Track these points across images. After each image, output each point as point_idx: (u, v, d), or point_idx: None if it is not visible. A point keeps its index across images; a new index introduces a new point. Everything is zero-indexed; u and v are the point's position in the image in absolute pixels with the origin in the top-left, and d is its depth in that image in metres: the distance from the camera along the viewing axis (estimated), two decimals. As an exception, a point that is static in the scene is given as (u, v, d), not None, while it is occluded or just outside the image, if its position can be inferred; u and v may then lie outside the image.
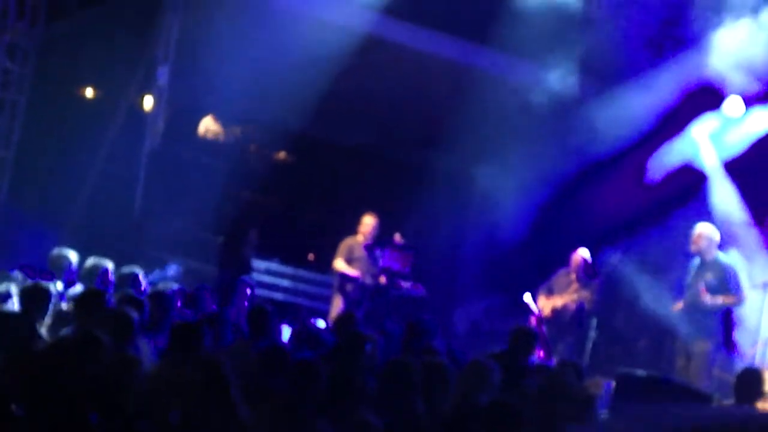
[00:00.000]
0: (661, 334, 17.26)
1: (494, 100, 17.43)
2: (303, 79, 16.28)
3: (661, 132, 17.89)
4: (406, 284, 15.86)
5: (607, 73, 17.42)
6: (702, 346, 14.41)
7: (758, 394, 9.20)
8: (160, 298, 10.58)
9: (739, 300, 14.78)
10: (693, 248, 14.82)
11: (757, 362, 14.94)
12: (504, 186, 17.53)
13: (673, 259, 17.67)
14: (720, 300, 14.55)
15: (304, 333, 10.60)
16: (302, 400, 7.80)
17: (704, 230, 14.94)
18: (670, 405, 11.81)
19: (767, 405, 12.77)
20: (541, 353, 14.56)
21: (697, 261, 14.87)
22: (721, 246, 15.30)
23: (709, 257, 14.72)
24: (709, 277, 14.59)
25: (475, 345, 14.89)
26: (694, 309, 14.57)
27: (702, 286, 14.51)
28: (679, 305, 14.88)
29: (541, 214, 18.00)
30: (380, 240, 15.84)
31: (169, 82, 17.37)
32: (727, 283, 14.57)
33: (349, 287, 15.48)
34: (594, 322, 15.43)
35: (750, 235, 16.76)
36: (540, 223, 18.00)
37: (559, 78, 17.65)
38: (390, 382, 8.13)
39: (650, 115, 17.39)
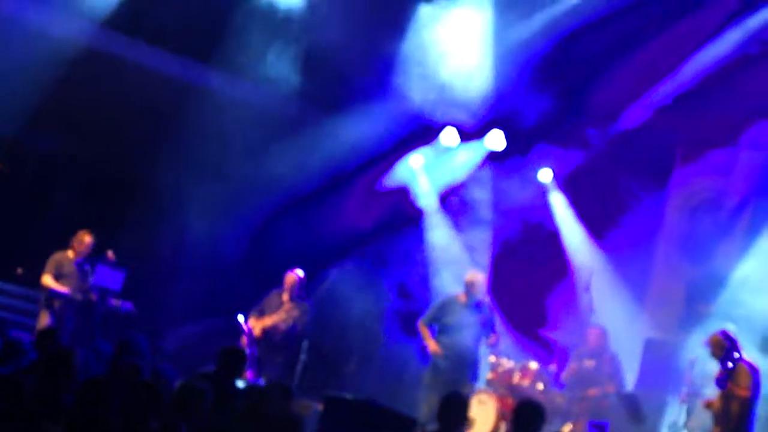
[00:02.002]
0: (367, 357, 17.59)
1: (214, 118, 17.41)
2: (17, 87, 15.88)
3: (380, 159, 18.25)
4: (116, 302, 15.59)
5: (328, 98, 17.68)
6: (467, 389, 14.62)
7: (462, 419, 9.42)
8: None
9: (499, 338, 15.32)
10: (478, 296, 15.00)
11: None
12: (222, 205, 17.49)
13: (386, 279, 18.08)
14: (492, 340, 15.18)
15: (7, 347, 10.35)
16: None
17: (480, 277, 15.25)
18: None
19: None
20: (251, 373, 14.54)
21: (459, 301, 15.11)
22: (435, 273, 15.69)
23: (477, 300, 15.01)
24: (480, 319, 14.93)
25: (186, 365, 14.74)
26: (468, 351, 14.83)
27: (476, 330, 14.85)
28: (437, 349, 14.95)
29: (260, 234, 18.05)
30: (92, 256, 15.52)
31: None
32: (491, 323, 15.07)
33: (56, 303, 15.13)
34: (305, 344, 15.49)
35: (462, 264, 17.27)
36: (259, 243, 18.04)
37: (280, 99, 17.79)
38: (86, 399, 8.00)
39: (370, 141, 17.71)
